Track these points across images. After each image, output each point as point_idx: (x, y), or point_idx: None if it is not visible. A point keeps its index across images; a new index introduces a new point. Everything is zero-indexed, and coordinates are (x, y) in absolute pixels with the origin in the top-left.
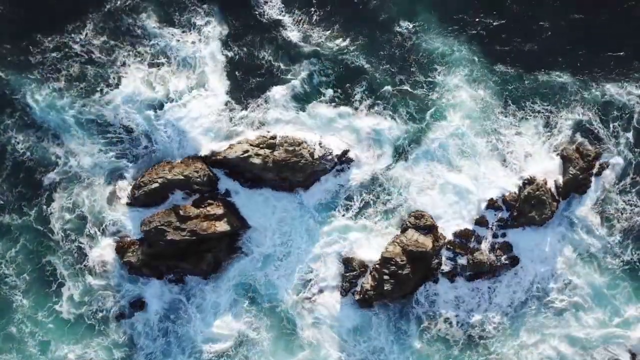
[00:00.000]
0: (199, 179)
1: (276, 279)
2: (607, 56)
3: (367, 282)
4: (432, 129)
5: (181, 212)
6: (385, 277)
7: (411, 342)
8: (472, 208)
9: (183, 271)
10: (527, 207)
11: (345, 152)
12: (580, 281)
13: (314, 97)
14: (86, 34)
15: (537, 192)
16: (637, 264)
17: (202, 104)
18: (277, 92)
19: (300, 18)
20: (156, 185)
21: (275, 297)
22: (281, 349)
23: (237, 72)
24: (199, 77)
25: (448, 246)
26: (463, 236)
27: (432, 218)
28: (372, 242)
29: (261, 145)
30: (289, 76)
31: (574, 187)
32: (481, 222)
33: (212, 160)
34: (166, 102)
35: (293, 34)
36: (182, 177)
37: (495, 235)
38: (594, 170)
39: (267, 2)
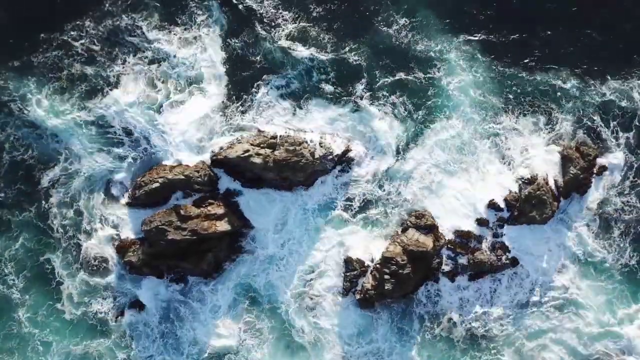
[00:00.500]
0: (199, 179)
1: (277, 279)
2: (608, 55)
3: (367, 281)
4: (431, 127)
5: (182, 212)
6: (386, 276)
7: (414, 342)
8: (472, 207)
9: (183, 271)
10: (527, 207)
11: (346, 151)
12: (579, 282)
13: (313, 94)
14: (87, 32)
15: (538, 192)
16: (636, 266)
17: (200, 103)
18: (276, 90)
19: (298, 15)
20: (157, 185)
21: (276, 298)
22: (282, 350)
23: (235, 71)
24: (197, 74)
25: (448, 246)
26: (463, 236)
27: (432, 218)
28: (372, 242)
29: (262, 145)
30: (288, 74)
31: (574, 187)
32: (482, 221)
33: (212, 160)
34: (165, 102)
35: (292, 31)
36: (183, 177)
37: (495, 235)
38: (595, 170)
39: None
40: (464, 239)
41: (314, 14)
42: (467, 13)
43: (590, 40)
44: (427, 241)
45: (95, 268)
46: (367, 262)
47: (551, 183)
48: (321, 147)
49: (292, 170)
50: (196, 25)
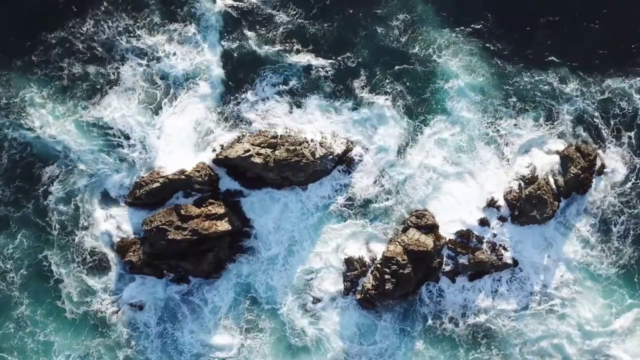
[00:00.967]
0: (199, 179)
1: (277, 279)
2: (608, 52)
3: (368, 281)
4: (431, 125)
5: (182, 212)
6: (387, 276)
7: (416, 342)
8: (473, 207)
9: (184, 271)
10: (528, 206)
11: (347, 151)
12: (579, 282)
13: (311, 92)
14: (87, 31)
15: (539, 191)
16: (634, 266)
17: (197, 101)
18: (274, 87)
19: (296, 12)
20: (157, 184)
21: (276, 298)
22: (283, 351)
23: (233, 68)
24: (195, 72)
25: (449, 245)
26: (464, 235)
27: (433, 217)
28: (373, 242)
29: (262, 145)
30: (286, 71)
31: (575, 187)
32: (482, 221)
33: (213, 160)
34: (164, 99)
35: (290, 28)
36: (183, 177)
37: (496, 235)
38: (595, 170)
39: None
40: (464, 239)
41: (313, 11)
42: (466, 9)
43: (591, 38)
44: (428, 241)
45: (95, 267)
46: (367, 262)
47: (551, 183)
48: (322, 147)
49: (293, 170)
50: (195, 22)
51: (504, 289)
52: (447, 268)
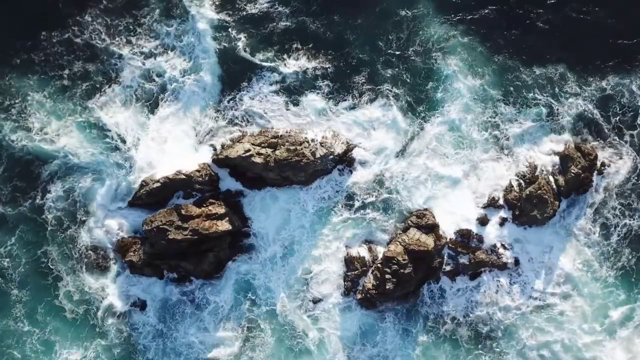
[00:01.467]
0: (200, 179)
1: (278, 279)
2: (608, 50)
3: (368, 281)
4: (431, 123)
5: (183, 211)
6: (387, 276)
7: (418, 342)
8: (473, 206)
9: (184, 271)
10: (528, 206)
11: (347, 151)
12: (579, 282)
13: (310, 91)
14: (86, 29)
15: (539, 191)
16: (634, 267)
17: (196, 101)
18: (272, 85)
19: (295, 9)
20: (158, 184)
21: (277, 298)
22: (285, 352)
23: (231, 67)
24: (192, 68)
25: (449, 245)
26: (464, 235)
27: (433, 217)
28: (373, 241)
29: (263, 145)
30: (285, 69)
31: (575, 186)
32: (482, 220)
33: (213, 160)
34: (160, 97)
35: (288, 26)
36: (184, 177)
37: (496, 234)
38: (596, 169)
39: None
40: (464, 238)
41: (312, 8)
42: (467, 6)
43: (591, 34)
44: (429, 240)
45: (95, 268)
46: (368, 262)
47: (552, 182)
48: (322, 146)
49: (293, 170)
50: (193, 21)
51: (504, 289)
52: (448, 268)
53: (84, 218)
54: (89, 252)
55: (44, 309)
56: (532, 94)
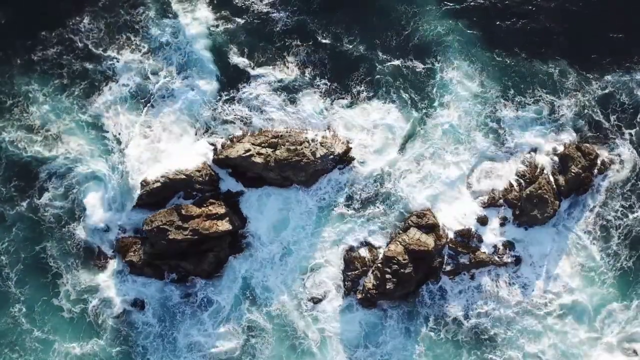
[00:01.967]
0: (200, 179)
1: (278, 279)
2: (608, 48)
3: (369, 281)
4: (431, 121)
5: (183, 211)
6: (387, 276)
7: (419, 342)
8: (473, 206)
9: (185, 271)
10: (529, 206)
11: (347, 150)
12: (579, 282)
13: (309, 89)
14: (85, 27)
15: (539, 191)
16: (632, 267)
17: (195, 100)
18: (270, 84)
19: (295, 6)
20: (158, 184)
21: (277, 298)
22: (286, 352)
23: (229, 65)
24: (189, 66)
25: (450, 245)
26: (464, 235)
27: (434, 216)
28: (374, 241)
29: (263, 145)
30: (284, 68)
31: (575, 186)
32: (483, 220)
33: (213, 160)
34: (161, 100)
35: (287, 23)
36: (184, 177)
37: (496, 234)
38: (596, 169)
39: None
40: (465, 238)
41: (312, 6)
42: (467, 2)
43: (592, 31)
44: (429, 240)
45: (95, 268)
46: (368, 262)
47: (552, 182)
48: (322, 146)
49: (294, 170)
50: (191, 20)
51: (504, 289)
52: (448, 268)
53: (82, 217)
54: (89, 252)
55: (42, 308)
56: (532, 91)
